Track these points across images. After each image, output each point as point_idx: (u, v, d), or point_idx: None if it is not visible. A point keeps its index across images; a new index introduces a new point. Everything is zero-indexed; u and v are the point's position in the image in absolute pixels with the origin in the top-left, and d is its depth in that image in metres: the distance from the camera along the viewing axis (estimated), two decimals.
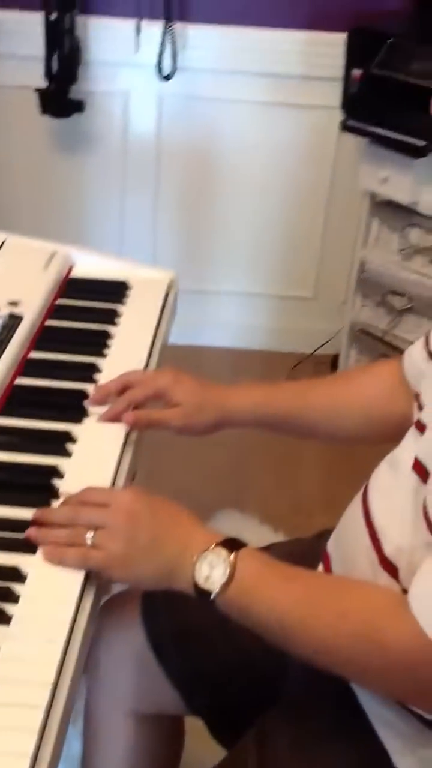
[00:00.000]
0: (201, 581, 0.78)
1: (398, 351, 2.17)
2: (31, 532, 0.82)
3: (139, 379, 1.04)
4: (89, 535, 0.80)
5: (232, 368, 2.55)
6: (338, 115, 2.10)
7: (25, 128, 2.35)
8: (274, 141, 2.36)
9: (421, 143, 1.87)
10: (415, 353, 1.00)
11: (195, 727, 1.10)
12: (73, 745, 1.14)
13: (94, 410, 1.01)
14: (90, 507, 0.83)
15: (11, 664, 0.71)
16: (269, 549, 1.08)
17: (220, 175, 2.43)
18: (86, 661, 0.86)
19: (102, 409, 1.01)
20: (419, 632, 0.70)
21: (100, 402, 1.02)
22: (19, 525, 0.84)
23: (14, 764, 0.62)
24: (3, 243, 1.29)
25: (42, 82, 2.22)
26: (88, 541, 0.80)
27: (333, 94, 2.12)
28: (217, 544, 0.78)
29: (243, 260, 2.53)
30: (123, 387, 1.02)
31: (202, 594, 0.78)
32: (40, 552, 0.81)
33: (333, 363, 2.45)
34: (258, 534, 1.86)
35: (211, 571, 0.77)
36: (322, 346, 2.49)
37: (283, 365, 2.50)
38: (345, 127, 2.06)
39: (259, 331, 2.60)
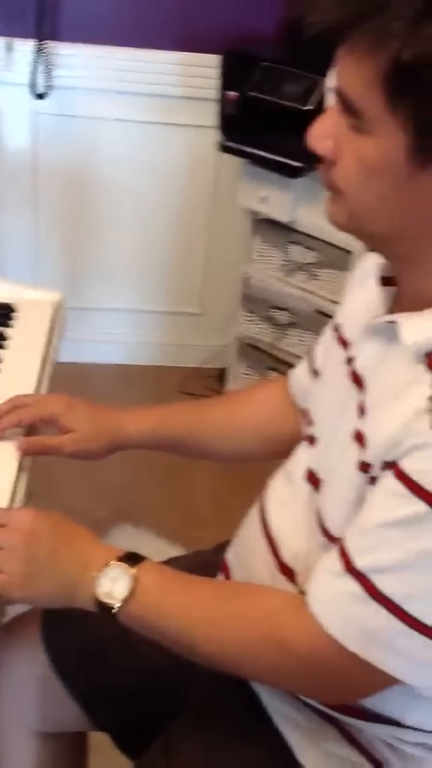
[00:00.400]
0: (102, 596, 0.79)
1: (284, 363, 2.25)
2: None
3: (30, 401, 1.05)
4: None
5: (122, 384, 2.56)
6: (216, 135, 2.16)
7: None
8: (153, 159, 2.40)
9: (297, 164, 1.94)
10: (299, 372, 1.04)
11: (100, 742, 1.11)
12: None
13: None
14: None
15: None
16: (169, 563, 1.11)
17: (101, 193, 2.44)
18: None
19: None
20: (319, 629, 0.74)
21: None
22: None
23: None
24: None
25: None
26: None
27: (210, 114, 2.18)
28: (118, 559, 0.80)
29: (129, 277, 2.56)
30: (13, 409, 1.03)
31: (105, 609, 0.79)
32: None
33: (221, 376, 2.50)
34: (155, 547, 1.87)
35: (113, 585, 0.79)
36: (209, 360, 2.54)
37: (172, 380, 2.53)
38: (222, 148, 2.12)
39: (148, 346, 2.63)
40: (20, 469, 0.98)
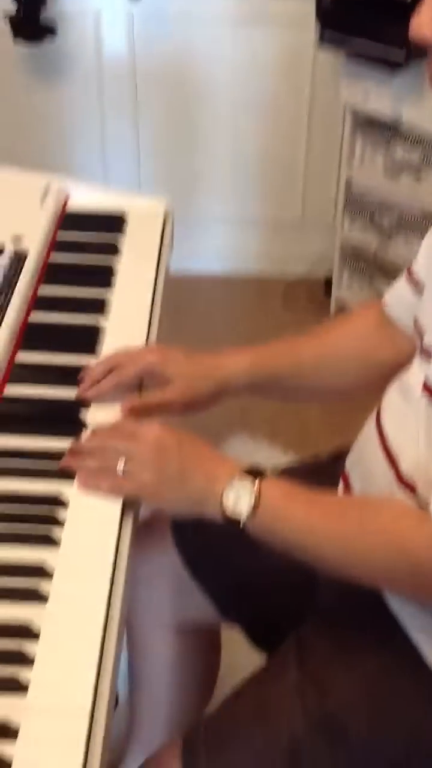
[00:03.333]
0: (229, 510, 0.81)
1: (389, 270, 2.19)
2: (66, 460, 0.86)
3: (127, 358, 1.00)
4: (120, 464, 0.83)
5: (225, 295, 2.55)
6: (314, 31, 2.07)
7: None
8: (250, 58, 2.31)
9: (400, 54, 1.84)
10: (399, 290, 1.00)
11: (232, 638, 1.14)
12: None
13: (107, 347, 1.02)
14: (119, 438, 0.86)
15: (66, 581, 0.75)
16: (287, 472, 1.11)
17: (199, 96, 2.38)
18: None
19: None
20: None
21: (90, 389, 0.98)
22: (56, 455, 0.87)
23: (84, 674, 0.66)
24: None
25: (11, 6, 2.16)
26: (119, 471, 0.84)
27: (307, 11, 2.09)
28: (242, 473, 0.82)
29: (228, 183, 2.50)
30: (110, 369, 0.99)
31: (232, 522, 0.81)
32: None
33: (327, 284, 2.46)
34: (268, 455, 1.89)
35: (238, 499, 0.81)
36: (314, 268, 2.49)
37: (276, 289, 2.50)
38: (322, 39, 2.03)
39: (250, 255, 2.59)
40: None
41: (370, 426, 0.93)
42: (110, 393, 0.96)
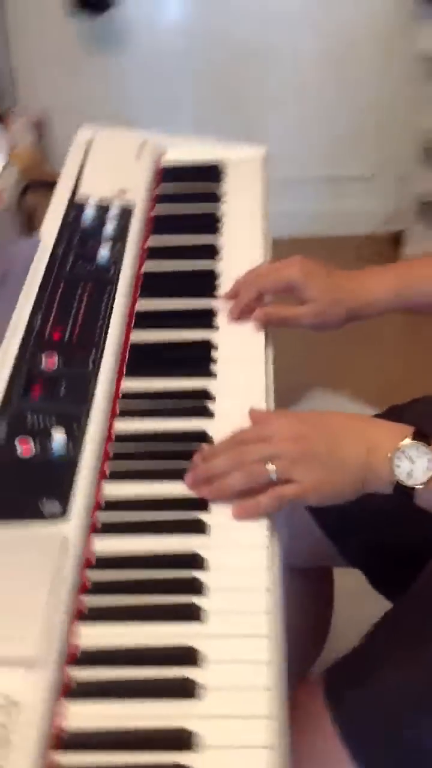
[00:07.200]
0: (403, 477, 0.73)
1: None
2: (204, 492, 0.76)
3: (267, 271, 1.00)
4: (271, 468, 0.75)
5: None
6: None
7: (54, 30, 2.30)
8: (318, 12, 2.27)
9: None
10: None
11: (348, 587, 1.14)
12: None
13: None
14: (252, 444, 0.77)
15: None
16: (412, 404, 1.08)
17: (262, 56, 2.34)
18: None
19: None
20: None
21: (234, 298, 0.99)
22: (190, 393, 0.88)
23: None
24: (93, 138, 1.27)
25: None
26: (272, 477, 0.75)
27: None
28: (412, 437, 0.74)
29: (293, 141, 2.47)
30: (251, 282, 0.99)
31: (404, 490, 0.74)
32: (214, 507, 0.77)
33: (395, 240, 2.42)
34: (351, 410, 1.87)
35: (413, 465, 0.73)
36: (385, 224, 2.44)
37: (345, 249, 2.47)
38: None
39: (316, 216, 2.57)
40: (266, 343, 0.97)
41: None
42: (251, 302, 0.96)
